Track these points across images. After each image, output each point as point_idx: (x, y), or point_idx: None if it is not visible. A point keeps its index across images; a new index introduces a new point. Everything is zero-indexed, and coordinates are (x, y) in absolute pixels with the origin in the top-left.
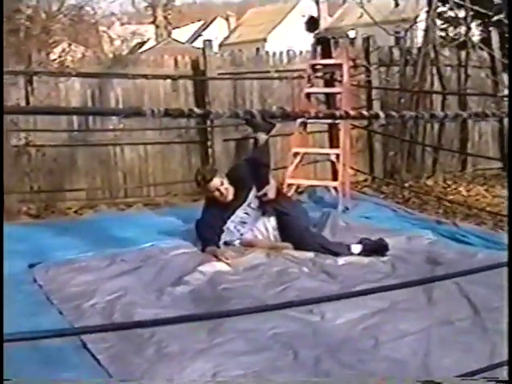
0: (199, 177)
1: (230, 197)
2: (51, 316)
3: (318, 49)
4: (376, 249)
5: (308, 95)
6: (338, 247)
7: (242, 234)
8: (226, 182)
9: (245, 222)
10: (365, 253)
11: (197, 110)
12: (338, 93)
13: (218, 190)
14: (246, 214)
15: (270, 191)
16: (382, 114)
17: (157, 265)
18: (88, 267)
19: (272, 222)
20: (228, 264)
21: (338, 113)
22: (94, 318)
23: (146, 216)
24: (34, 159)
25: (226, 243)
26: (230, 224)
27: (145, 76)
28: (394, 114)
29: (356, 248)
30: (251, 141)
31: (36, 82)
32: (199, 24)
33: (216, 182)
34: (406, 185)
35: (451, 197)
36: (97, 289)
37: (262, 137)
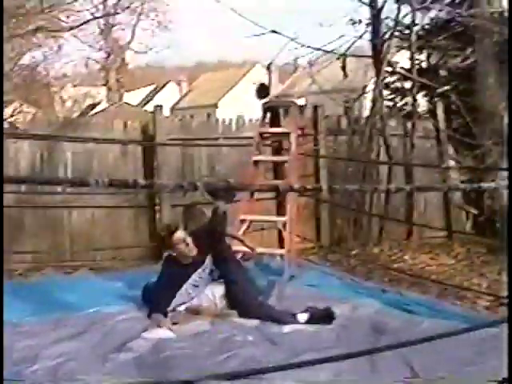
0: (164, 228)
1: (194, 252)
2: None
3: (267, 117)
4: (323, 317)
5: (256, 163)
6: (284, 316)
7: (192, 298)
8: (188, 239)
9: (197, 286)
10: (311, 321)
11: (141, 182)
12: (286, 161)
13: (184, 241)
14: (200, 277)
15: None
16: (324, 187)
17: (101, 330)
18: (31, 331)
19: (219, 289)
20: (171, 330)
21: (281, 187)
22: None
23: (92, 280)
24: None
25: (173, 309)
26: (182, 291)
27: (95, 140)
28: (336, 187)
29: (302, 317)
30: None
31: None
32: (151, 87)
33: (180, 234)
34: (353, 253)
35: (396, 265)
36: (39, 354)
37: (222, 206)
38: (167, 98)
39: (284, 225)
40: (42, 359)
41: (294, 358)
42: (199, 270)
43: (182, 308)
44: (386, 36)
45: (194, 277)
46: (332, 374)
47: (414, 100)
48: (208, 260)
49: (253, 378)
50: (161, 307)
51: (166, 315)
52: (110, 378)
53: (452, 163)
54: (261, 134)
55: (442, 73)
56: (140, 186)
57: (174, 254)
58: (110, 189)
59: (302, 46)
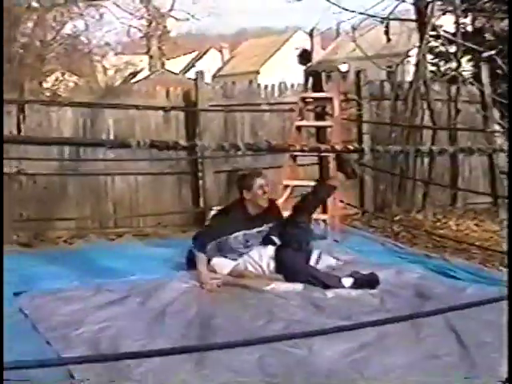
0: (247, 171)
1: (266, 204)
2: (38, 345)
3: (310, 82)
4: (367, 282)
5: (298, 128)
6: (330, 279)
7: (240, 253)
8: (267, 188)
9: (249, 241)
10: (356, 286)
11: (182, 143)
12: (329, 126)
13: (262, 187)
14: (257, 234)
15: None
16: (366, 149)
17: (143, 295)
18: (74, 297)
19: (269, 251)
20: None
21: (322, 147)
22: (81, 348)
23: (135, 247)
24: (24, 187)
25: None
26: (239, 235)
27: (136, 107)
28: (379, 148)
29: (347, 281)
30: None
31: (28, 110)
32: (193, 55)
33: (263, 181)
34: (396, 219)
35: (441, 231)
36: (83, 318)
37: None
38: (209, 65)
39: None
40: (86, 323)
41: (337, 322)
42: (262, 228)
43: (227, 270)
44: None
45: (253, 231)
46: (375, 338)
47: (459, 64)
48: (269, 224)
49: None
50: (209, 238)
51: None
52: (154, 341)
53: (497, 127)
54: (303, 99)
55: (488, 36)
56: (181, 147)
57: (246, 199)
58: (152, 155)
59: (345, 10)
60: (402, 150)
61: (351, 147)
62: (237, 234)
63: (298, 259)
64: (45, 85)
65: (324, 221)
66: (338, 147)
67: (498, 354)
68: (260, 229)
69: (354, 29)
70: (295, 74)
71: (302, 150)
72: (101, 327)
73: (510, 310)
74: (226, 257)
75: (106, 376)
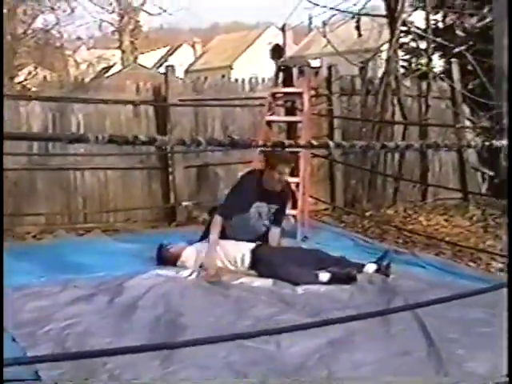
0: (285, 153)
1: (278, 189)
2: (4, 342)
3: (280, 77)
4: (345, 278)
5: (268, 123)
6: (306, 276)
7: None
8: (286, 177)
9: (260, 214)
10: (333, 281)
11: (142, 138)
12: (299, 121)
13: (281, 174)
14: (265, 213)
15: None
16: (331, 144)
17: (110, 291)
18: (41, 293)
19: (248, 245)
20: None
21: (286, 142)
22: (48, 345)
23: (104, 242)
24: None
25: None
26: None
27: (105, 101)
28: (344, 143)
29: (324, 276)
30: (210, 168)
31: None
32: (165, 50)
33: (285, 169)
34: (367, 214)
35: (411, 226)
36: (50, 315)
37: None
38: (182, 60)
39: (297, 186)
40: (53, 320)
41: (306, 319)
42: (270, 205)
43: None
44: None
45: (264, 204)
46: (344, 334)
47: (430, 60)
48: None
49: (260, 342)
50: (229, 211)
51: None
52: (121, 338)
53: (467, 123)
54: (273, 94)
55: (458, 33)
56: (140, 142)
57: (264, 173)
58: (122, 150)
59: (316, 5)
60: (368, 145)
61: (315, 142)
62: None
63: (276, 256)
64: (17, 79)
65: (294, 216)
66: (301, 142)
67: (465, 351)
68: (270, 205)
69: (324, 24)
70: (268, 69)
71: (264, 146)
72: (68, 324)
73: (509, 311)
74: (241, 239)
75: (73, 374)
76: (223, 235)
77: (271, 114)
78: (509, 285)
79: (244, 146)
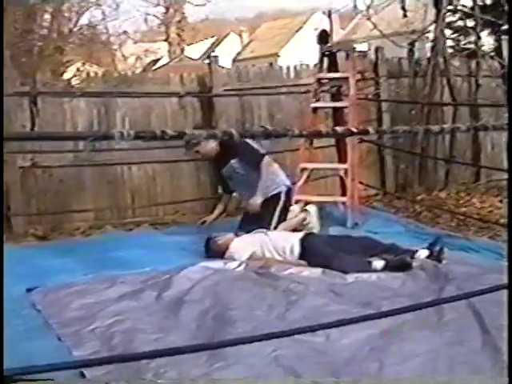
0: None
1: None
2: (50, 341)
3: (325, 62)
4: (400, 265)
5: (314, 110)
6: (359, 264)
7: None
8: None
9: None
10: (388, 269)
11: (169, 132)
12: (345, 107)
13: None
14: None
15: None
16: (371, 130)
17: (158, 286)
18: (87, 290)
19: (296, 236)
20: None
21: (324, 130)
22: (94, 343)
23: (153, 236)
24: (40, 180)
25: None
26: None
27: (149, 94)
28: (385, 129)
29: (379, 264)
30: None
31: (41, 102)
32: (212, 40)
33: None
34: (418, 198)
35: (464, 209)
36: (96, 313)
37: None
38: (229, 49)
39: (346, 172)
40: (98, 318)
41: (356, 309)
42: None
43: (246, 256)
44: None
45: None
46: (395, 324)
47: (478, 38)
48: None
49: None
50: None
51: None
52: (168, 335)
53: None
54: (318, 80)
55: (507, 9)
56: (169, 137)
57: None
58: (168, 142)
59: None
60: (411, 130)
61: (354, 129)
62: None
63: (326, 244)
64: (66, 75)
65: (343, 203)
66: (339, 130)
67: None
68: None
69: (368, 7)
70: (315, 56)
71: (300, 135)
72: (114, 321)
73: (509, 311)
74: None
75: (118, 372)
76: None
77: (317, 101)
78: (509, 285)
79: (277, 136)
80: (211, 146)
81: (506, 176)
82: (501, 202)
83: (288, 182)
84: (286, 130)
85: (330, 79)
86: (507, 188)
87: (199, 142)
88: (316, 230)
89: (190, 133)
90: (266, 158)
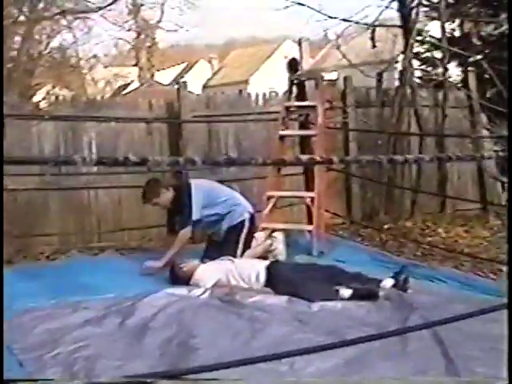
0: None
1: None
2: (11, 367)
3: (294, 91)
4: (367, 295)
5: (282, 138)
6: (326, 292)
7: None
8: None
9: None
10: (355, 298)
11: (132, 158)
12: (313, 135)
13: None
14: None
15: None
16: (335, 159)
17: (121, 313)
18: (50, 315)
19: (263, 263)
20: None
21: (288, 159)
22: (55, 369)
23: (118, 261)
24: (5, 203)
25: None
26: None
27: (117, 119)
28: (348, 158)
29: (346, 292)
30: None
31: (8, 125)
32: (183, 66)
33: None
34: (385, 227)
35: (430, 239)
36: (59, 338)
37: None
38: (199, 75)
39: (312, 200)
40: (61, 344)
41: (322, 338)
42: None
43: (211, 283)
44: (414, 4)
45: None
46: (360, 353)
47: (446, 69)
48: None
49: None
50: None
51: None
52: (131, 362)
53: (485, 133)
54: (287, 108)
55: (475, 41)
56: (131, 163)
57: None
58: (135, 168)
59: (329, 17)
60: (374, 160)
61: (318, 158)
62: None
63: (292, 272)
64: (35, 98)
65: (310, 231)
66: (303, 158)
67: (485, 368)
68: None
69: (338, 36)
70: (285, 83)
71: (264, 163)
72: (77, 347)
73: (509, 312)
74: None
75: None
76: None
77: (285, 129)
78: (509, 287)
79: (241, 164)
80: (167, 197)
81: (471, 206)
82: (466, 231)
83: (251, 209)
84: (249, 157)
85: (299, 107)
86: (507, 194)
87: (158, 194)
88: (282, 258)
89: (153, 159)
90: (198, 184)
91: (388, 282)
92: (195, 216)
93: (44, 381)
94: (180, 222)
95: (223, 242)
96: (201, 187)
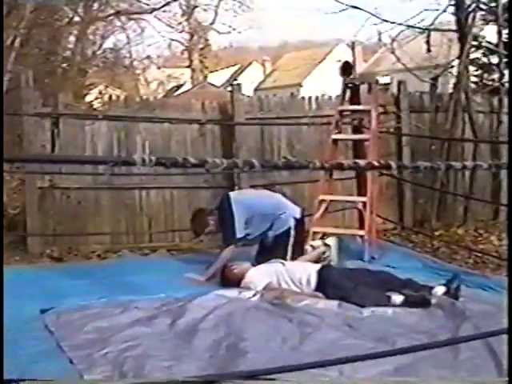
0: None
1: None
2: (61, 364)
3: (347, 94)
4: (419, 302)
5: (335, 141)
6: (377, 298)
7: None
8: None
9: None
10: (407, 305)
11: (191, 160)
12: (366, 140)
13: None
14: None
15: None
16: (393, 165)
17: (172, 313)
18: (100, 314)
19: (314, 267)
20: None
21: (346, 163)
22: (105, 367)
23: (169, 262)
24: (58, 202)
25: None
26: None
27: (170, 120)
28: (406, 164)
29: (398, 298)
30: (277, 187)
31: (62, 124)
32: (235, 68)
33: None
34: (436, 234)
35: (482, 246)
36: (109, 337)
37: None
38: (251, 78)
39: (364, 205)
40: (111, 342)
41: (371, 344)
42: None
43: (261, 286)
44: (471, 9)
45: None
46: (411, 360)
47: (502, 75)
48: None
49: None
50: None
51: None
52: (181, 363)
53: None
54: (340, 112)
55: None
56: (190, 165)
57: None
58: (187, 169)
59: (384, 21)
60: (432, 166)
61: (376, 163)
62: None
63: (343, 277)
64: (88, 98)
65: (361, 236)
66: (361, 163)
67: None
68: None
69: (392, 40)
70: (338, 87)
71: (322, 168)
72: (127, 347)
73: (509, 311)
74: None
75: None
76: None
77: (338, 132)
78: (509, 285)
79: (299, 168)
80: (215, 221)
81: None
82: None
83: (298, 214)
84: (307, 161)
85: (352, 111)
86: (508, 194)
87: (207, 224)
88: (334, 263)
89: (212, 161)
90: (239, 200)
91: (440, 290)
92: (239, 234)
93: (44, 381)
94: (223, 239)
95: (272, 248)
96: (242, 201)
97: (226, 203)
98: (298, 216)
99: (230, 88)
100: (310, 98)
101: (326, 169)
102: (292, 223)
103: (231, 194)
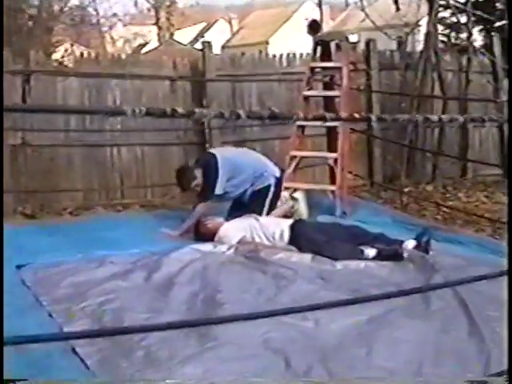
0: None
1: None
2: (40, 318)
3: (318, 52)
4: (391, 255)
5: (306, 98)
6: (350, 251)
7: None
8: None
9: None
10: (379, 258)
11: (180, 110)
12: (337, 96)
13: None
14: None
15: None
16: (373, 117)
17: (147, 267)
18: (77, 269)
19: (286, 221)
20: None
21: (328, 115)
22: (84, 321)
23: (142, 218)
24: (30, 159)
25: None
26: None
27: (141, 77)
28: (386, 116)
29: (371, 252)
30: (248, 144)
31: (33, 81)
32: (201, 26)
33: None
34: (405, 190)
35: (450, 203)
36: (86, 291)
37: None
38: (218, 36)
39: (335, 161)
40: (89, 296)
41: (345, 295)
42: None
43: (235, 240)
44: None
45: None
46: (384, 311)
47: (470, 34)
48: None
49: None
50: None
51: None
52: (158, 315)
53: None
54: (311, 69)
55: (499, 5)
56: (179, 115)
57: None
58: (159, 125)
59: None
60: (411, 119)
61: (357, 116)
62: None
63: (316, 231)
64: (54, 56)
65: (332, 192)
66: (343, 115)
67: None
68: None
69: None
70: (305, 45)
71: (305, 119)
72: (104, 300)
73: (510, 308)
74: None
75: (110, 350)
76: None
77: (309, 89)
78: (509, 284)
79: (283, 118)
80: (200, 175)
81: (492, 172)
82: (487, 197)
83: (277, 173)
84: (292, 113)
85: (323, 68)
86: (507, 188)
87: (194, 177)
88: (304, 217)
89: (199, 111)
90: (225, 157)
91: (410, 243)
92: (218, 191)
93: (44, 381)
94: (201, 194)
95: (248, 203)
96: (227, 160)
97: (212, 160)
98: (278, 175)
99: (197, 46)
100: (280, 55)
101: (309, 120)
102: (273, 181)
103: (216, 152)
